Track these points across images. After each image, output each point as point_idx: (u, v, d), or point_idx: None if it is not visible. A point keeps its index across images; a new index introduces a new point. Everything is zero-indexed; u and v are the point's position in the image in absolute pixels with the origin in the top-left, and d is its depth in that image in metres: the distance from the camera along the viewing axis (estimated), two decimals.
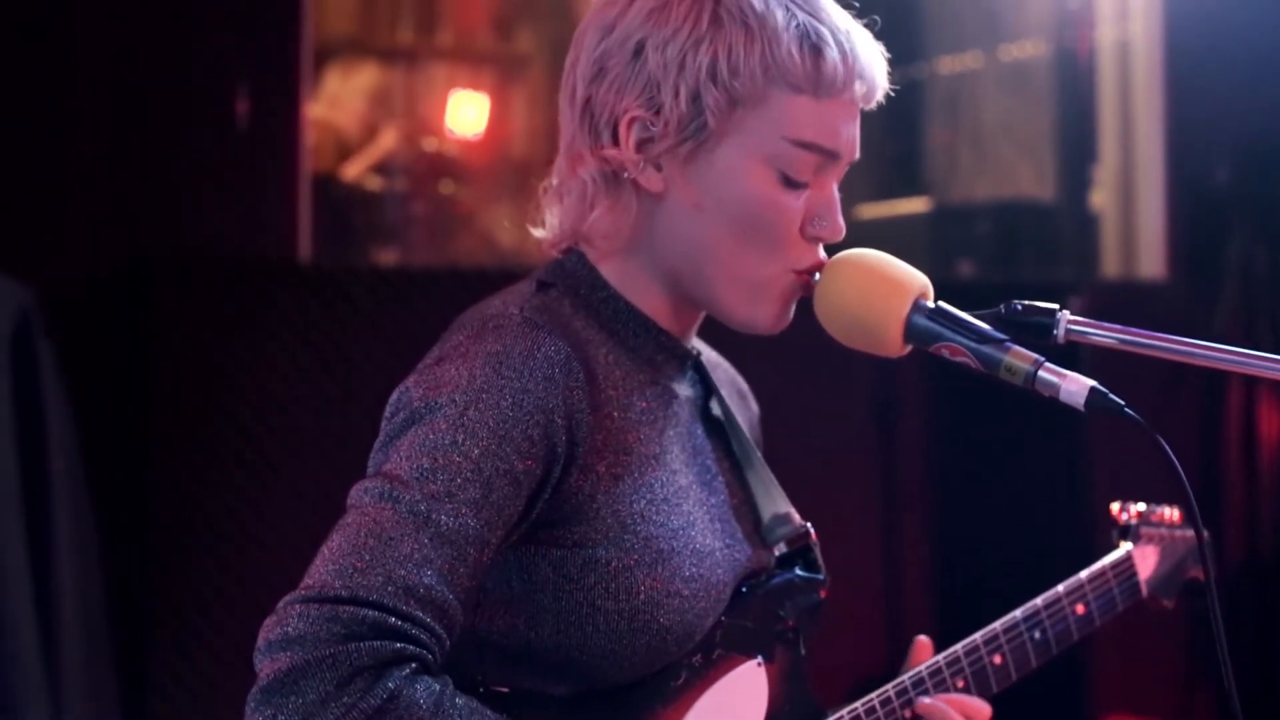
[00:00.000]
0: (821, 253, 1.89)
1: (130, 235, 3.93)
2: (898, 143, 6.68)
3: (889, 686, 2.00)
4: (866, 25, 1.89)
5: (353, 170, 5.82)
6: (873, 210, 6.07)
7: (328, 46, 5.90)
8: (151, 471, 3.83)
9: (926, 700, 2.02)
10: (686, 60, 1.80)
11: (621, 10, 1.86)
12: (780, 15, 1.81)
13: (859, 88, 1.85)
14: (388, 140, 5.96)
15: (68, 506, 3.53)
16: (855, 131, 1.87)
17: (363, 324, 3.96)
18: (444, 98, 6.22)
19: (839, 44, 1.82)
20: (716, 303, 1.89)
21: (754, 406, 2.17)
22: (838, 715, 1.96)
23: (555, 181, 1.93)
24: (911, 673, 2.02)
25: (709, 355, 2.06)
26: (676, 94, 1.81)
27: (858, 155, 1.90)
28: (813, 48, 1.81)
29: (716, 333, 2.00)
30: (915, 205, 6.08)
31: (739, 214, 1.83)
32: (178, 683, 3.80)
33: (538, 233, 1.96)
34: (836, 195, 1.88)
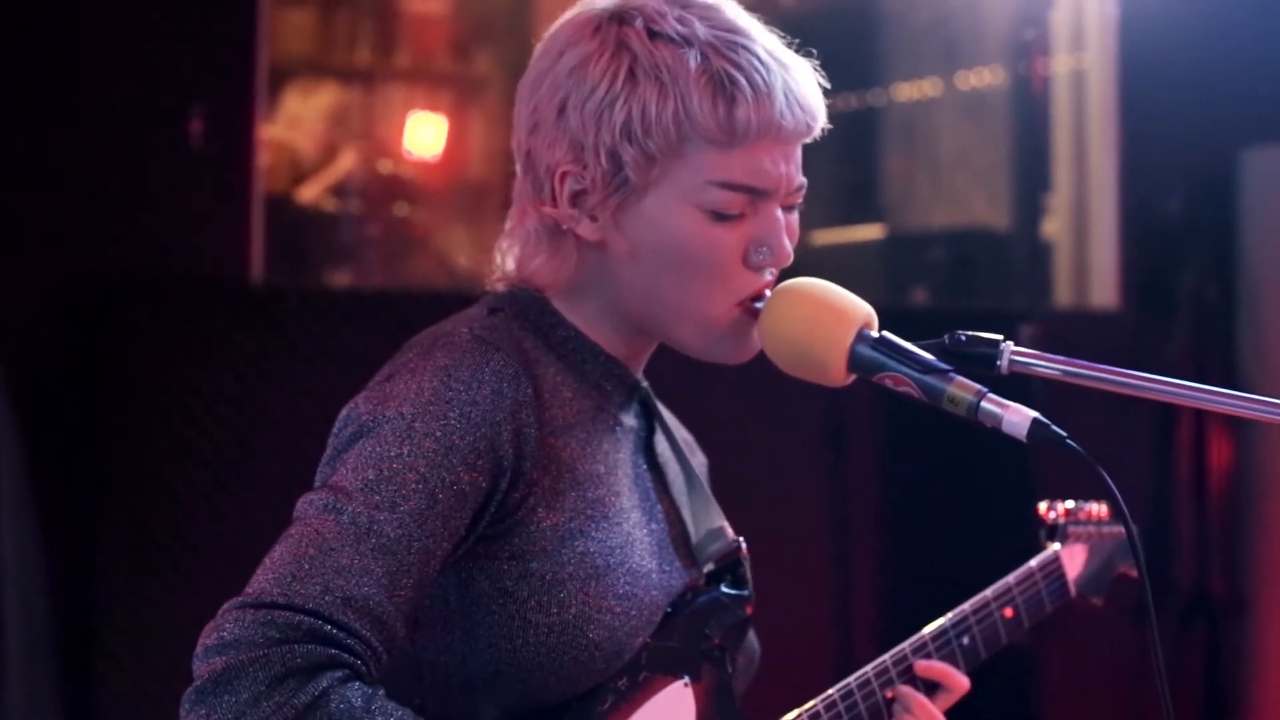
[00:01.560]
0: (769, 275, 1.89)
1: (83, 255, 3.91)
2: (854, 170, 6.71)
3: (817, 701, 2.00)
4: (804, 54, 1.88)
5: (310, 192, 5.80)
6: (827, 237, 6.08)
7: (285, 67, 5.89)
8: (103, 491, 3.81)
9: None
10: (603, 119, 1.81)
11: (550, 64, 1.87)
12: (694, 65, 1.81)
13: (786, 125, 1.83)
14: (346, 161, 5.95)
15: (13, 527, 3.50)
16: (788, 165, 1.86)
17: (315, 345, 3.95)
18: (401, 119, 6.21)
19: (754, 88, 1.80)
20: (675, 341, 1.91)
21: (701, 457, 2.17)
22: None
23: (508, 225, 1.95)
24: (840, 685, 2.02)
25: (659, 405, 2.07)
26: (597, 152, 1.82)
27: (800, 182, 1.88)
28: (726, 99, 1.80)
29: (672, 358, 1.99)
30: (870, 232, 6.10)
31: (674, 258, 1.84)
32: (125, 705, 3.77)
33: (497, 263, 1.97)
34: (781, 220, 1.87)
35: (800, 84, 1.85)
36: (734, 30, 1.84)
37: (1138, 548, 1.81)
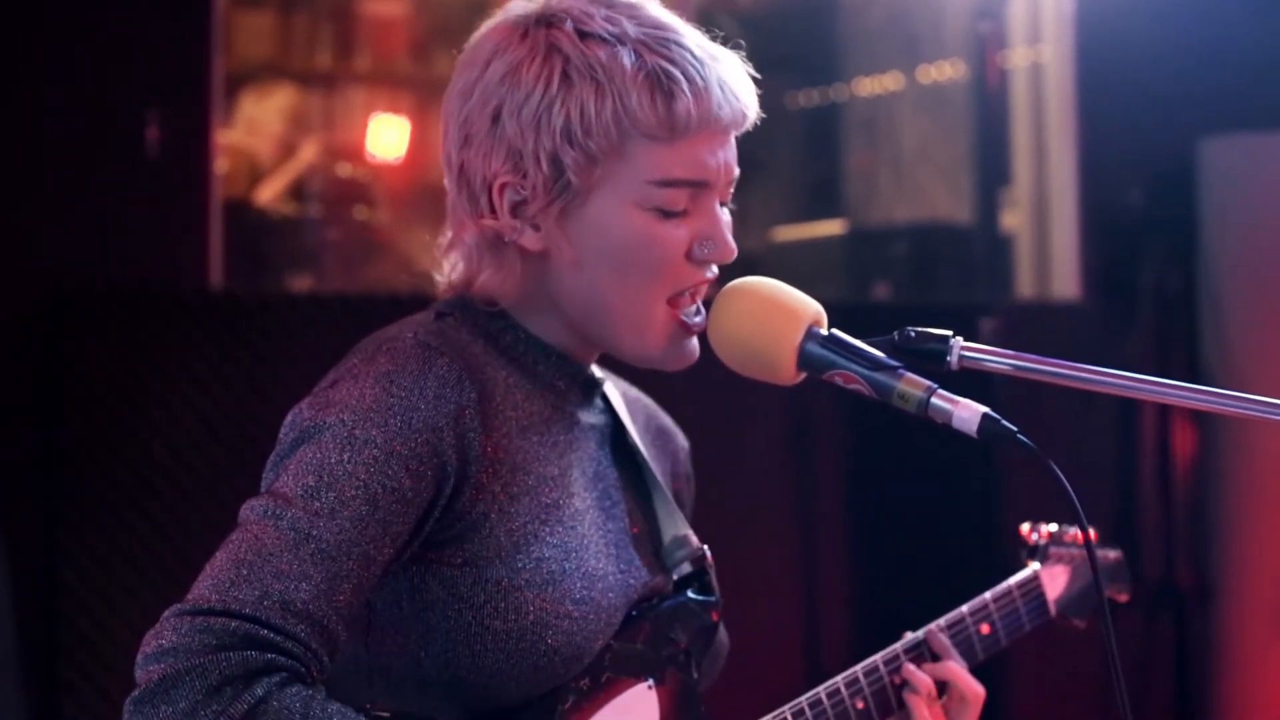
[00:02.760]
0: (712, 272, 1.90)
1: (40, 263, 3.89)
2: (816, 165, 6.71)
3: (785, 709, 2.00)
4: (732, 47, 1.89)
5: (270, 189, 5.78)
6: (790, 233, 6.09)
7: (244, 71, 5.87)
8: (65, 502, 3.79)
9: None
10: (541, 123, 1.81)
11: (479, 74, 1.86)
12: (628, 64, 1.81)
13: (724, 116, 1.84)
14: (307, 154, 5.92)
15: None
16: (726, 155, 1.87)
17: (275, 351, 3.93)
18: (362, 122, 6.20)
19: (691, 82, 1.82)
20: (612, 344, 1.91)
21: (681, 442, 2.18)
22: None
23: (446, 237, 1.95)
24: (810, 693, 2.02)
25: (628, 391, 2.07)
26: (537, 158, 1.82)
27: (734, 173, 1.89)
28: (664, 94, 1.81)
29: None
30: (832, 228, 6.10)
31: (619, 258, 1.84)
32: (91, 715, 3.75)
33: (440, 280, 1.97)
34: (721, 215, 1.89)
35: (732, 75, 1.86)
36: (662, 27, 1.85)
37: (1092, 547, 1.82)
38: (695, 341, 1.90)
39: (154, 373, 3.84)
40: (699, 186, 1.85)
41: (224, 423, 3.88)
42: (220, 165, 4.31)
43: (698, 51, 1.84)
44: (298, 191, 5.86)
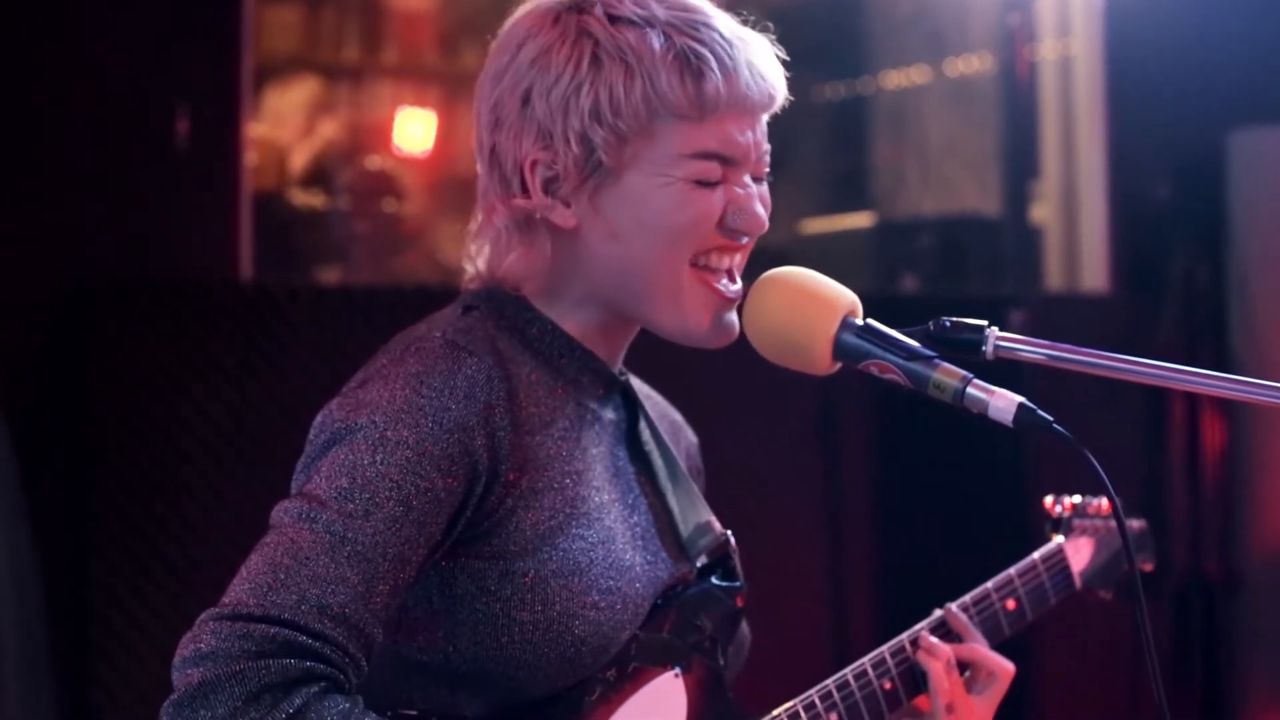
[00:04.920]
0: (744, 241, 1.90)
1: (72, 256, 3.91)
2: (843, 158, 6.71)
3: (812, 692, 2.01)
4: (760, 30, 1.90)
5: (297, 160, 5.80)
6: (817, 225, 6.08)
7: (271, 65, 5.88)
8: (92, 492, 3.80)
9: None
10: (570, 105, 1.83)
11: (510, 58, 1.88)
12: (658, 45, 1.83)
13: (753, 96, 1.86)
14: (327, 130, 5.94)
15: (6, 534, 3.50)
16: (755, 133, 1.89)
17: (304, 343, 3.94)
18: (389, 115, 6.21)
19: (720, 62, 1.83)
20: (650, 319, 1.91)
21: (691, 437, 2.19)
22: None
23: (476, 224, 1.95)
24: (836, 676, 2.02)
25: (641, 388, 2.07)
26: (566, 138, 1.83)
27: (767, 148, 1.91)
28: (694, 73, 1.82)
29: (668, 351, 1.99)
30: (860, 220, 6.10)
31: (655, 227, 1.85)
32: (122, 710, 3.76)
33: (469, 268, 1.97)
34: (753, 188, 1.89)
35: (761, 57, 1.87)
36: (690, 10, 1.87)
37: (1125, 528, 1.81)
38: (734, 316, 1.90)
39: (184, 365, 3.86)
40: (729, 162, 1.86)
41: (253, 415, 3.90)
42: (250, 158, 4.32)
43: (726, 33, 1.85)
44: (326, 184, 5.88)
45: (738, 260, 1.91)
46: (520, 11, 1.93)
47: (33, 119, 3.91)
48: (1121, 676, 4.74)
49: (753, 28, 1.90)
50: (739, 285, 1.90)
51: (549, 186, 1.87)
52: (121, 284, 3.87)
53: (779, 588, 4.34)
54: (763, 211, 1.90)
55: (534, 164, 1.86)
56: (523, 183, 1.87)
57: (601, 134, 1.82)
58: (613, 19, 1.84)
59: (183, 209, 4.05)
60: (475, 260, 1.95)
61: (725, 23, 1.87)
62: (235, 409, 3.89)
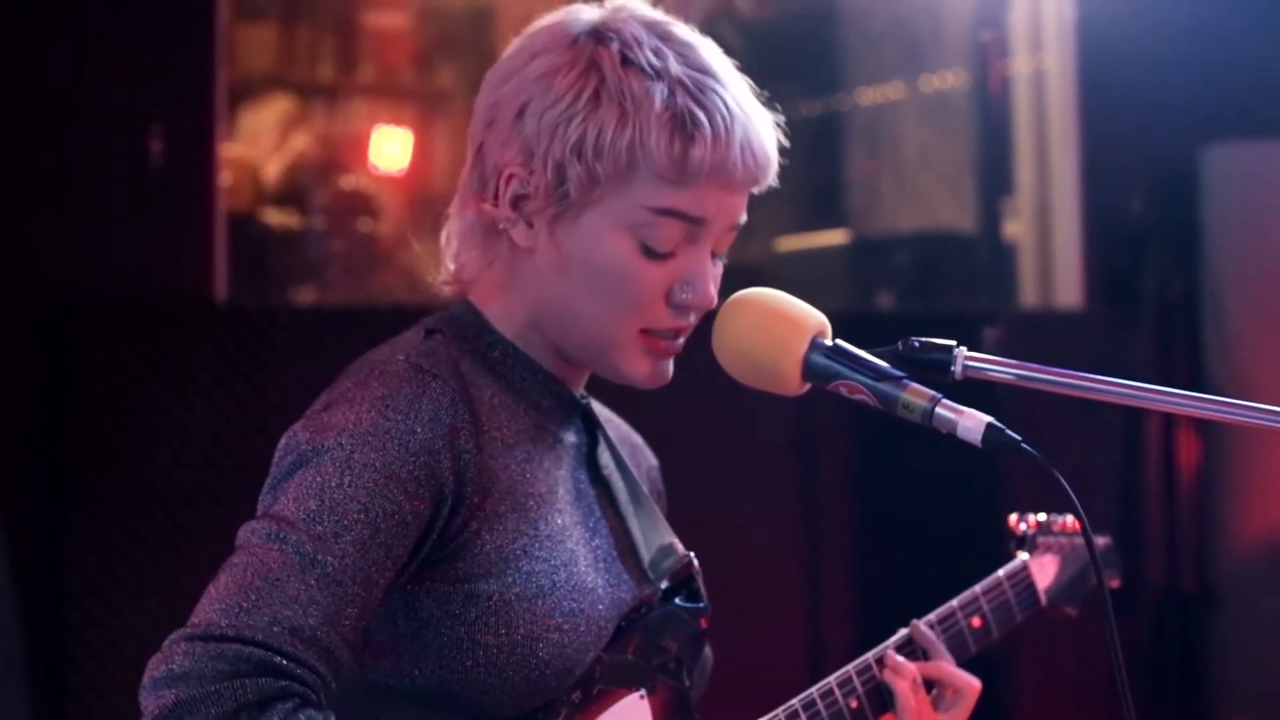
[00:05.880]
0: (690, 319, 1.90)
1: (45, 275, 3.90)
2: (818, 174, 6.72)
3: (778, 710, 2.01)
4: (768, 105, 1.89)
5: (270, 169, 5.79)
6: (792, 242, 6.09)
7: (246, 84, 5.88)
8: (68, 509, 3.80)
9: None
10: (558, 131, 1.83)
11: (521, 64, 1.88)
12: (659, 100, 1.82)
13: (735, 173, 1.84)
14: (299, 143, 5.93)
15: None
16: (730, 202, 1.87)
17: (280, 363, 3.94)
18: (365, 134, 6.21)
19: (715, 131, 1.82)
20: (578, 355, 1.92)
21: (651, 459, 2.19)
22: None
23: (454, 208, 1.97)
24: (803, 694, 2.02)
25: (601, 411, 2.07)
26: (545, 161, 1.84)
27: (737, 221, 1.90)
28: (684, 138, 1.81)
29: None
30: (835, 237, 6.11)
31: (599, 278, 1.86)
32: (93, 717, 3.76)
33: (444, 266, 1.98)
34: (708, 264, 1.89)
35: (759, 136, 1.86)
36: (706, 71, 1.85)
37: (1093, 546, 1.81)
38: (669, 363, 1.91)
39: (159, 384, 3.85)
40: (694, 223, 1.85)
41: (230, 433, 3.89)
42: (224, 177, 4.32)
43: (732, 104, 1.84)
44: (301, 203, 5.87)
45: (684, 333, 1.91)
46: (547, 20, 1.92)
47: (5, 136, 3.90)
48: (1096, 692, 4.74)
49: (726, 53, 1.90)
50: (682, 340, 1.91)
51: (517, 203, 1.87)
52: (96, 302, 3.87)
53: (755, 605, 4.34)
54: (713, 290, 1.89)
55: (510, 177, 1.86)
56: (496, 189, 1.88)
57: (577, 169, 1.82)
58: (625, 61, 1.84)
59: (157, 228, 4.04)
60: (446, 253, 1.96)
61: (736, 92, 1.86)
62: (211, 427, 3.89)
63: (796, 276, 5.50)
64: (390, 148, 6.13)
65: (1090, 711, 4.78)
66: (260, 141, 5.89)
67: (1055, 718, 4.83)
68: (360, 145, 6.21)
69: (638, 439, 2.17)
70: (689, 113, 1.82)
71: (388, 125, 6.24)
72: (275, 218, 5.76)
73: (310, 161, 5.97)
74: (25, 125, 3.91)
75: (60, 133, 3.93)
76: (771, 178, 1.90)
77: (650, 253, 1.85)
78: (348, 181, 6.04)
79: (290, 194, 5.88)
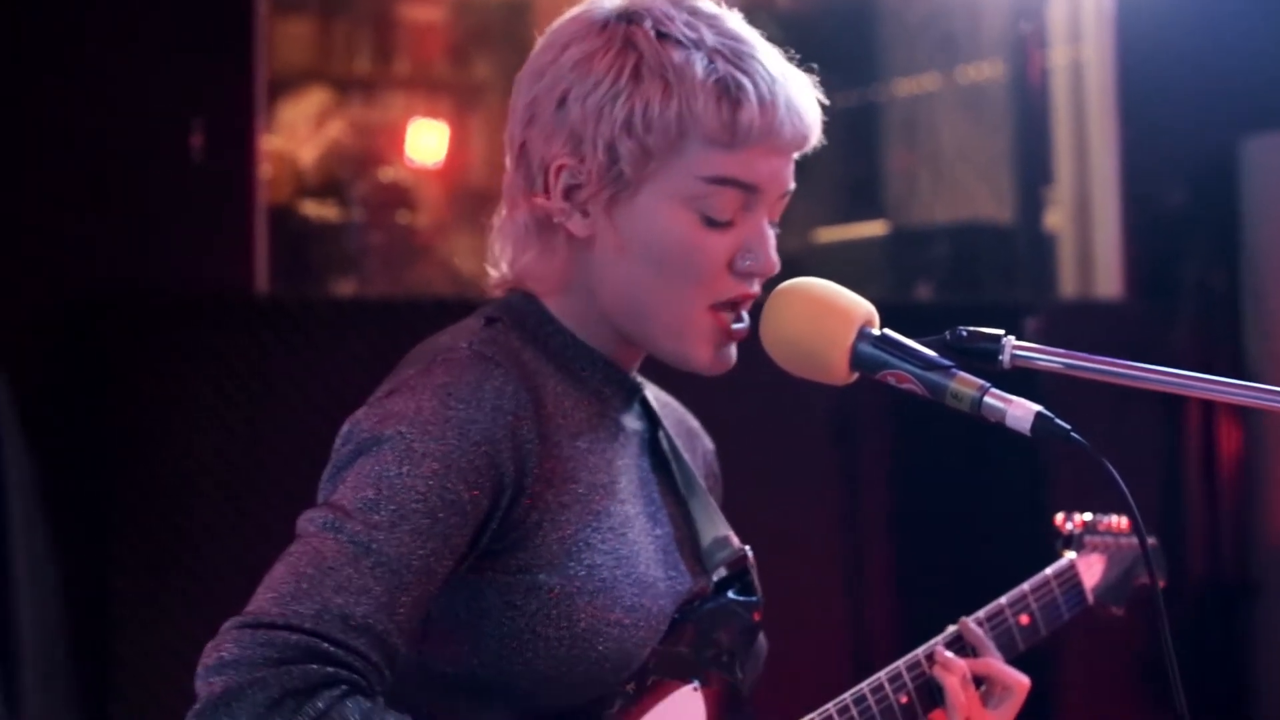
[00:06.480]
0: (755, 286, 1.91)
1: (87, 269, 3.92)
2: (855, 166, 6.71)
3: (830, 706, 2.01)
4: (805, 69, 1.90)
5: (304, 157, 5.81)
6: (830, 234, 6.09)
7: (283, 78, 5.90)
8: (110, 504, 3.82)
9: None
10: (604, 112, 1.83)
11: (553, 58, 1.89)
12: (700, 68, 1.83)
13: (784, 133, 1.86)
14: (334, 130, 5.95)
15: (26, 545, 3.51)
16: (780, 167, 1.89)
17: (321, 355, 3.95)
18: (401, 127, 6.22)
19: (759, 94, 1.83)
20: (649, 342, 1.92)
21: (707, 444, 2.19)
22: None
23: (499, 218, 1.96)
24: (854, 689, 2.03)
25: (657, 394, 2.08)
26: (595, 145, 1.84)
27: (788, 187, 1.91)
28: (731, 101, 1.83)
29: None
30: (873, 229, 6.10)
31: (661, 255, 1.86)
32: (137, 716, 3.78)
33: (492, 272, 1.98)
34: (768, 230, 1.90)
35: (800, 96, 1.88)
36: (739, 39, 1.87)
37: (1145, 540, 1.81)
38: (734, 348, 1.91)
39: (200, 377, 3.87)
40: (749, 190, 1.86)
41: (270, 425, 3.91)
42: (264, 171, 4.34)
43: (770, 68, 1.85)
44: (340, 195, 5.89)
45: (748, 303, 1.92)
46: (570, 13, 1.93)
47: (47, 133, 3.92)
48: (1141, 687, 4.73)
49: (796, 64, 1.90)
50: (746, 323, 1.91)
51: (570, 193, 1.87)
52: (137, 296, 3.89)
53: (796, 597, 4.33)
54: (775, 255, 1.90)
55: (560, 168, 1.87)
56: (546, 183, 1.88)
57: (629, 145, 1.83)
58: (660, 35, 1.85)
59: (198, 222, 4.06)
60: (499, 260, 1.96)
61: (771, 57, 1.88)
62: (252, 420, 3.90)
63: (835, 268, 5.49)
64: (426, 140, 6.14)
65: (1134, 707, 4.77)
66: (297, 134, 5.91)
67: (1099, 713, 4.81)
68: (397, 138, 6.23)
69: (694, 422, 2.17)
70: (732, 77, 1.83)
71: (424, 118, 6.25)
72: (314, 210, 5.79)
73: (347, 153, 5.99)
74: (67, 121, 3.93)
75: (102, 128, 3.95)
76: (818, 137, 1.91)
77: (711, 222, 1.86)
78: (386, 174, 6.05)
79: (328, 187, 5.90)
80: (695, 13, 1.88)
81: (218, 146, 4.04)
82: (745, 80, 1.83)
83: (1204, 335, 5.08)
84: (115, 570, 3.80)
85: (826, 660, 4.44)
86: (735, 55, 1.85)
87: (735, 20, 1.90)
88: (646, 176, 1.85)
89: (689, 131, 1.83)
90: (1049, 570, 2.29)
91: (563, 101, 1.86)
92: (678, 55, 1.84)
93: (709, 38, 1.85)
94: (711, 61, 1.84)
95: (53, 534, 3.61)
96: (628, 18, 1.88)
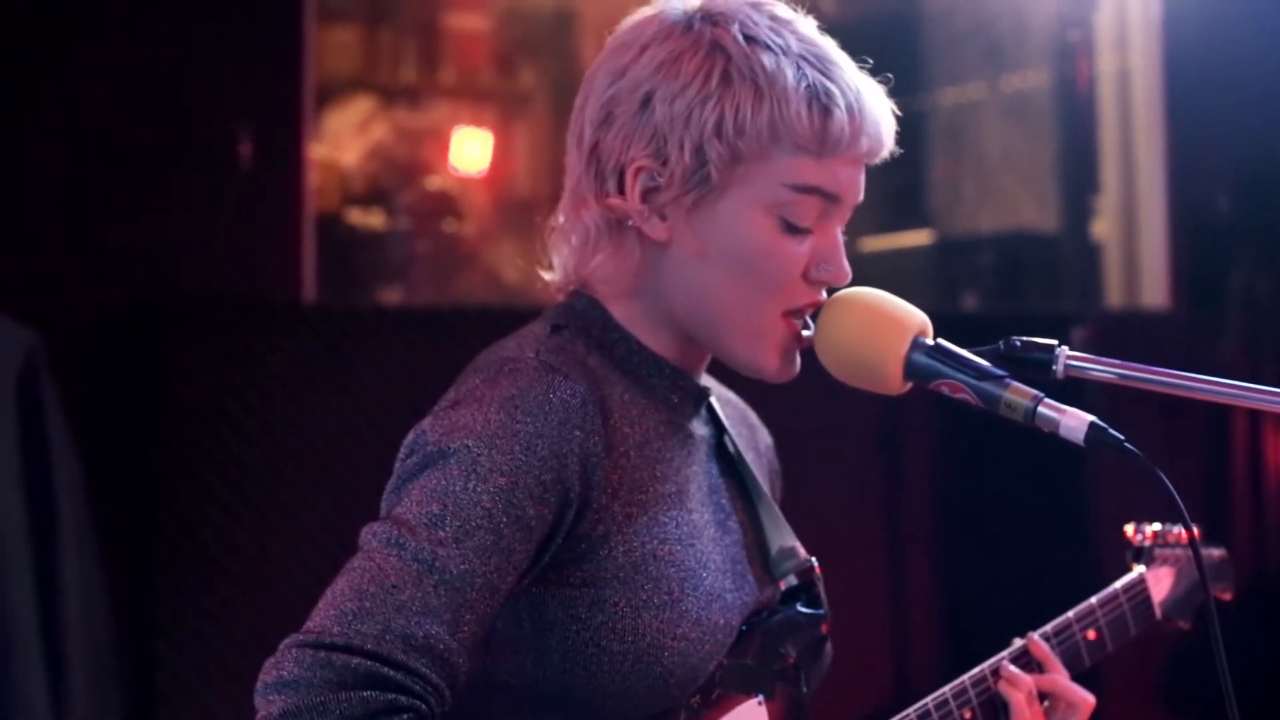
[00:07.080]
0: (824, 295, 1.90)
1: (135, 277, 3.94)
2: (900, 175, 6.69)
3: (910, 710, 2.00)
4: (880, 81, 1.90)
5: (349, 156, 5.84)
6: (876, 243, 6.07)
7: (330, 86, 5.92)
8: (158, 511, 3.84)
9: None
10: (693, 115, 1.81)
11: (634, 58, 1.86)
12: (790, 74, 1.81)
13: (864, 144, 1.85)
14: (378, 132, 5.97)
15: (74, 547, 3.54)
16: (858, 177, 1.88)
17: (367, 363, 3.96)
18: (446, 135, 6.24)
19: (848, 104, 1.82)
20: (720, 347, 1.90)
21: (766, 438, 2.17)
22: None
23: (561, 220, 1.94)
24: (918, 704, 2.01)
25: (720, 392, 2.06)
26: (681, 147, 1.82)
27: (860, 198, 1.90)
28: (821, 109, 1.81)
29: (726, 368, 2.00)
30: (918, 238, 6.08)
31: (742, 260, 1.84)
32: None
33: (547, 275, 1.96)
34: (840, 240, 1.89)
35: (879, 107, 1.88)
36: (822, 49, 1.86)
37: (1199, 552, 1.80)
38: (798, 357, 1.90)
39: (247, 384, 3.89)
40: (831, 199, 1.85)
41: (317, 433, 3.92)
42: (311, 179, 4.36)
43: (852, 78, 1.85)
44: (387, 204, 5.92)
45: (822, 300, 1.90)
46: (645, 12, 1.91)
47: (97, 140, 3.95)
48: (1193, 703, 4.70)
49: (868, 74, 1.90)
50: (813, 329, 1.89)
51: (648, 196, 1.85)
52: (185, 303, 3.91)
53: (840, 608, 4.32)
54: (847, 264, 1.89)
55: (639, 170, 1.84)
56: (620, 184, 1.86)
57: (718, 149, 1.81)
58: (749, 39, 1.83)
59: (246, 229, 4.08)
60: (563, 263, 1.93)
61: (851, 68, 1.87)
62: (299, 428, 3.92)
63: (880, 277, 5.46)
64: (471, 149, 6.16)
65: (1164, 712, 4.75)
66: (342, 142, 5.94)
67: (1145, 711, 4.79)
68: (442, 146, 6.24)
69: (753, 417, 2.16)
70: (821, 85, 1.82)
71: (469, 126, 6.26)
72: (360, 218, 5.81)
73: (393, 162, 6.01)
74: (116, 129, 3.96)
75: (151, 136, 3.98)
76: (891, 146, 1.90)
77: (791, 229, 1.84)
78: (433, 182, 6.07)
79: (374, 195, 5.93)
80: (776, 18, 1.87)
81: (266, 154, 4.06)
82: (834, 88, 1.82)
83: (1252, 345, 5.05)
84: (160, 574, 3.81)
85: (868, 671, 4.43)
86: (821, 62, 1.83)
87: (811, 26, 1.89)
88: (733, 181, 1.83)
89: (780, 138, 1.81)
90: (1118, 584, 2.27)
91: (646, 102, 1.83)
92: (768, 59, 1.82)
93: (794, 45, 1.83)
94: (800, 68, 1.82)
95: (100, 540, 3.63)
96: (712, 20, 1.85)
